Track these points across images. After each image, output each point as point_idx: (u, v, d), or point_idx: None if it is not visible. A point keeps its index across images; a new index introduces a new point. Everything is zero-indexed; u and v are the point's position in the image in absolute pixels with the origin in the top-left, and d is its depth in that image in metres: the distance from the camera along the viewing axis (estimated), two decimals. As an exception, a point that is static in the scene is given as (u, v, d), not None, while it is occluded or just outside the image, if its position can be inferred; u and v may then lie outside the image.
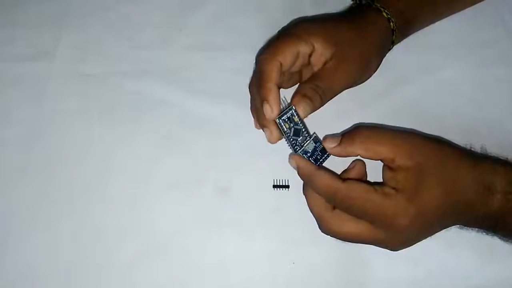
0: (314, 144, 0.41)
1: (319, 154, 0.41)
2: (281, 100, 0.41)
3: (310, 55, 0.43)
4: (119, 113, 0.50)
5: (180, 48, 0.54)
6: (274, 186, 0.46)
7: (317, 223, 0.40)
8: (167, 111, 0.50)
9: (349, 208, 0.37)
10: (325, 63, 0.42)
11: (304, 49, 0.42)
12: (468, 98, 0.51)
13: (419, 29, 0.51)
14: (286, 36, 0.42)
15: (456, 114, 0.50)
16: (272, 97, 0.39)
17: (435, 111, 0.50)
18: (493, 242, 0.42)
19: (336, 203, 0.38)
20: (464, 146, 0.43)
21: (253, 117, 0.45)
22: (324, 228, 0.39)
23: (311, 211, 0.40)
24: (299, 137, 0.40)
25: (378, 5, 0.46)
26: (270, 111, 0.39)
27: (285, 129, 0.40)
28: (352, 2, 0.49)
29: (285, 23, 0.54)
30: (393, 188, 0.37)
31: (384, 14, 0.45)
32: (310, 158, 0.41)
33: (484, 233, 0.41)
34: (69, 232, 0.45)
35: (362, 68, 0.45)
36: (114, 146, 0.49)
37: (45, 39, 0.54)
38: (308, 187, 0.40)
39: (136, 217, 0.46)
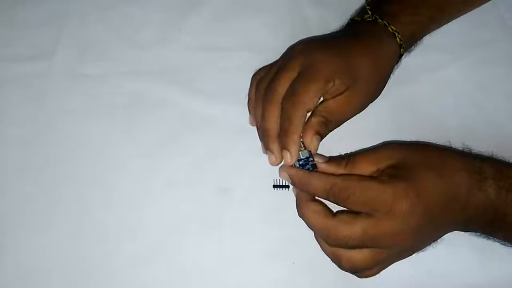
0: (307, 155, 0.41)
1: (310, 167, 0.41)
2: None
3: None
4: (119, 113, 0.50)
5: (180, 48, 0.54)
6: (274, 186, 0.46)
7: (324, 238, 0.39)
8: (167, 111, 0.50)
9: (347, 200, 0.37)
10: (337, 94, 0.43)
11: (328, 88, 0.42)
12: (468, 98, 0.51)
13: (423, 37, 0.51)
14: (314, 78, 0.41)
15: (456, 114, 0.50)
16: (294, 149, 0.41)
17: (435, 111, 0.50)
18: (493, 242, 0.42)
19: (334, 197, 0.38)
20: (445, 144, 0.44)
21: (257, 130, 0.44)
22: (332, 237, 0.37)
23: (313, 227, 0.39)
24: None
25: (385, 22, 0.46)
26: (289, 159, 0.41)
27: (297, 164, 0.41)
28: (355, 15, 0.49)
29: (284, 22, 0.54)
30: (388, 176, 0.38)
31: (397, 39, 0.46)
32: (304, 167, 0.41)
33: (485, 237, 0.41)
34: (69, 232, 0.45)
35: (373, 96, 0.46)
36: (114, 146, 0.49)
37: (45, 39, 0.54)
38: (303, 206, 0.39)
39: (136, 217, 0.46)
